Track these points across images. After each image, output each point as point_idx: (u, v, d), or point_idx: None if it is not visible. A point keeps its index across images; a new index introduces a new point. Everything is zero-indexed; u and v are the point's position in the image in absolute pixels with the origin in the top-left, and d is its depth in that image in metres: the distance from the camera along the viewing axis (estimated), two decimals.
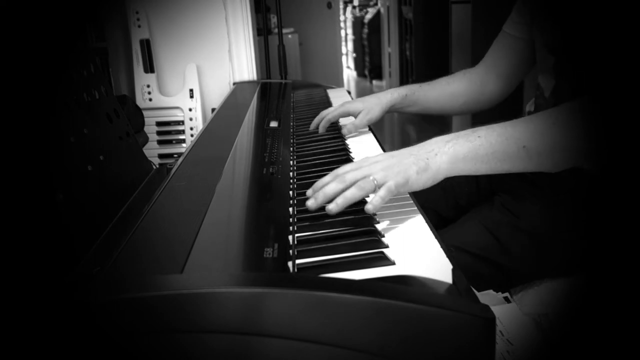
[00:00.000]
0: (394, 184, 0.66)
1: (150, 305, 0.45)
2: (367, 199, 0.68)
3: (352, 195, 0.65)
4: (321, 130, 1.08)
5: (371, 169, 0.68)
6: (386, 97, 1.08)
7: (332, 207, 0.65)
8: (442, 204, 1.08)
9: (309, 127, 1.14)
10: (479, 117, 1.16)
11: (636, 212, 0.79)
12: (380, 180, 0.67)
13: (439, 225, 1.04)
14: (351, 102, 1.10)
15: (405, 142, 3.84)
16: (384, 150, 0.97)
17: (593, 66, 0.78)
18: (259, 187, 0.78)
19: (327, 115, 1.08)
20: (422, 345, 0.44)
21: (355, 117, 1.07)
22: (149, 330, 0.46)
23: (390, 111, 1.10)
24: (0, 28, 0.64)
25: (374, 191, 0.66)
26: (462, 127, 3.31)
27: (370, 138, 1.07)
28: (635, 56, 0.69)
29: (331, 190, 0.66)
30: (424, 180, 0.68)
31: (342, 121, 1.13)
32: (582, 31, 0.80)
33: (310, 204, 0.66)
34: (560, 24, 0.86)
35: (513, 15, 1.01)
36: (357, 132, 1.09)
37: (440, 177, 0.69)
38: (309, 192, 0.70)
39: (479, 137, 0.69)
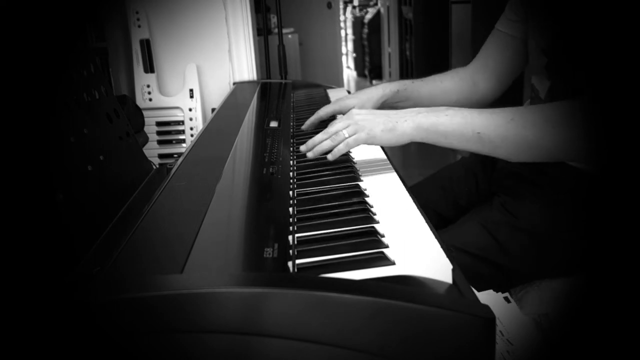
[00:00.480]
0: (354, 139, 0.82)
1: (150, 305, 0.45)
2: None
3: (325, 145, 0.83)
4: (308, 127, 1.07)
5: (348, 121, 0.83)
6: (378, 93, 1.09)
7: (303, 148, 0.86)
8: (442, 204, 1.08)
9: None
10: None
11: (636, 212, 0.79)
12: (349, 133, 0.82)
13: (439, 225, 1.04)
14: (343, 99, 1.09)
15: None
16: (384, 150, 0.97)
17: (588, 67, 0.78)
18: (259, 187, 0.78)
19: (319, 112, 1.08)
20: (422, 345, 0.44)
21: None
22: (149, 330, 0.46)
23: (383, 107, 1.10)
24: (0, 28, 0.64)
25: (342, 140, 0.82)
26: None
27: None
28: (631, 56, 0.69)
29: (317, 138, 0.85)
30: (387, 137, 0.81)
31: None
32: (577, 31, 0.80)
33: (303, 147, 0.86)
34: (554, 25, 0.86)
35: (507, 13, 1.01)
36: None
37: (405, 139, 0.81)
38: (302, 147, 0.87)
39: (446, 115, 0.79)
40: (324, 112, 1.08)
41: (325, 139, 0.84)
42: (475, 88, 1.08)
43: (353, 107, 1.06)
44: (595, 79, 0.76)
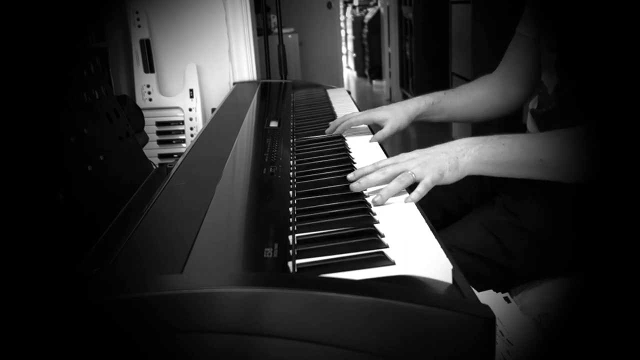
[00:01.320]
0: (430, 180, 0.75)
1: (150, 305, 0.45)
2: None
3: (394, 187, 0.73)
4: (339, 131, 1.05)
5: (409, 165, 0.76)
6: (413, 105, 1.06)
7: (378, 200, 0.72)
8: (447, 200, 1.09)
9: (309, 127, 1.14)
10: (484, 124, 1.16)
11: (636, 212, 0.79)
12: (417, 175, 0.75)
13: (445, 220, 1.04)
14: (377, 110, 1.07)
15: (404, 142, 3.84)
16: (385, 151, 0.97)
17: (594, 64, 0.78)
18: (259, 187, 0.78)
19: (349, 119, 1.05)
20: (422, 345, 0.44)
21: (381, 126, 1.05)
22: (149, 330, 0.46)
23: (417, 120, 1.08)
24: (0, 28, 0.64)
25: (412, 184, 0.75)
26: (462, 127, 3.30)
27: (370, 138, 1.06)
28: (635, 55, 0.69)
29: (374, 178, 0.75)
30: (455, 176, 0.77)
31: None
32: (583, 29, 0.80)
33: (355, 186, 0.75)
34: (560, 22, 0.86)
35: (526, 15, 1.01)
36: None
37: (465, 174, 0.78)
38: (350, 176, 0.78)
39: (503, 144, 0.77)
40: (355, 119, 1.05)
41: (382, 182, 0.75)
42: (505, 94, 1.07)
43: (386, 119, 1.04)
44: (600, 77, 0.76)
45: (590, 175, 0.78)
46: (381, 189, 0.73)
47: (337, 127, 1.07)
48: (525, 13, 1.01)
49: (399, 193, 0.75)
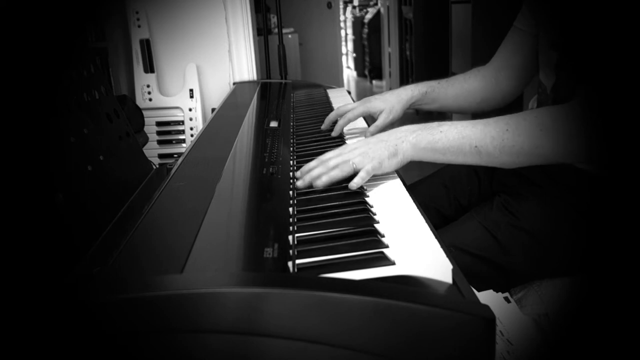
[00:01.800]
0: (371, 167, 0.78)
1: (150, 305, 0.45)
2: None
3: (335, 174, 0.78)
4: (338, 129, 1.05)
5: (350, 155, 0.80)
6: (407, 94, 1.07)
7: (318, 183, 0.77)
8: (444, 203, 1.08)
9: (309, 127, 1.14)
10: (479, 117, 1.16)
11: (636, 212, 0.79)
12: (358, 164, 0.78)
13: (441, 223, 1.04)
14: (371, 101, 1.06)
15: None
16: None
17: (592, 63, 0.78)
18: (259, 187, 0.78)
19: (346, 113, 1.05)
20: (422, 345, 0.44)
21: (376, 116, 1.05)
22: (149, 330, 0.46)
23: (411, 108, 1.09)
24: (0, 28, 0.64)
25: (353, 172, 0.78)
26: None
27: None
28: (635, 54, 0.69)
29: (316, 173, 0.79)
30: (394, 163, 0.80)
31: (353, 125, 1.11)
32: (583, 28, 0.80)
33: (300, 184, 0.79)
34: (561, 19, 0.86)
35: (524, 10, 1.01)
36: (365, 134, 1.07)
37: (406, 160, 0.80)
38: (297, 174, 0.82)
39: (440, 131, 0.79)
40: (352, 114, 1.05)
41: (326, 171, 0.79)
42: (497, 86, 1.07)
43: (381, 111, 1.04)
44: (590, 80, 0.76)
45: (528, 163, 0.78)
46: (323, 175, 0.78)
47: (331, 121, 1.06)
48: (523, 7, 1.01)
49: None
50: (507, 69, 1.05)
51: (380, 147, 0.80)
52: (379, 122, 1.04)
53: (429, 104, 1.09)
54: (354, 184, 0.76)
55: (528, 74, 1.05)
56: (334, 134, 1.05)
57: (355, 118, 1.06)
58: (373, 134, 1.02)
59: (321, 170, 0.79)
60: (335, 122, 1.07)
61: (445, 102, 1.09)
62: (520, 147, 0.76)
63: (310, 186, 0.79)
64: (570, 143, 0.74)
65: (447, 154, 0.79)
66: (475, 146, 0.77)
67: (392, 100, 1.06)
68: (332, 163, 0.80)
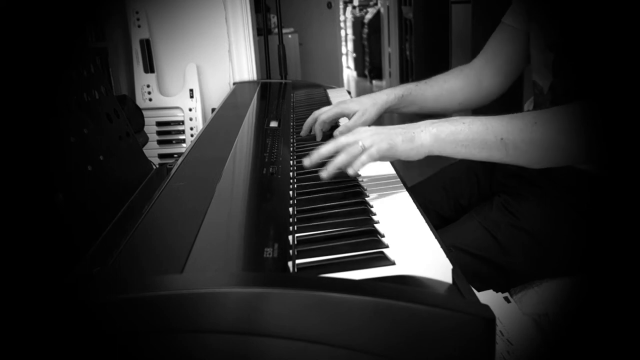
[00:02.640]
0: (377, 150, 0.73)
1: (150, 305, 0.45)
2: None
3: (340, 160, 0.74)
4: (317, 133, 1.04)
5: (361, 135, 0.76)
6: (382, 98, 1.05)
7: (324, 174, 0.74)
8: (444, 204, 1.08)
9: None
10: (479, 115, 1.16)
11: (636, 213, 0.79)
12: (367, 144, 0.74)
13: (440, 225, 1.04)
14: (346, 103, 1.06)
15: None
16: None
17: (591, 63, 0.78)
18: (259, 187, 0.78)
19: (320, 115, 1.04)
20: (422, 345, 0.44)
21: (350, 118, 1.05)
22: (149, 330, 0.46)
23: (387, 112, 1.08)
24: (0, 28, 0.64)
25: (359, 153, 0.73)
26: None
27: None
28: (634, 54, 0.69)
29: (325, 150, 0.76)
30: (408, 149, 0.75)
31: (342, 121, 1.12)
32: (582, 28, 0.80)
33: (306, 162, 0.77)
34: (559, 20, 0.86)
35: (514, 6, 1.00)
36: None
37: (423, 151, 0.75)
38: (305, 160, 0.78)
39: (463, 123, 0.75)
40: (325, 115, 1.04)
41: (334, 151, 0.76)
42: (480, 85, 1.06)
43: (354, 112, 1.03)
44: (596, 77, 0.76)
45: (555, 161, 0.76)
46: (328, 164, 0.74)
47: (310, 126, 1.05)
48: (513, 3, 1.00)
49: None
50: (491, 66, 1.05)
51: (395, 132, 0.75)
52: (350, 122, 1.03)
53: (407, 107, 1.08)
54: (351, 169, 0.73)
55: (514, 71, 1.04)
56: (302, 133, 1.06)
57: (329, 119, 1.05)
58: (342, 133, 1.02)
59: (329, 148, 0.76)
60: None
61: (424, 103, 1.08)
62: (551, 140, 0.72)
63: (313, 179, 0.76)
64: (592, 141, 0.72)
65: (470, 146, 0.74)
66: (502, 138, 0.73)
67: (366, 102, 1.05)
68: (341, 140, 0.76)
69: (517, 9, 0.99)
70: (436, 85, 1.09)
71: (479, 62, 1.07)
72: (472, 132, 0.74)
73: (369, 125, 1.06)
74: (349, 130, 1.01)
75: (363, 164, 0.73)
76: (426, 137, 0.75)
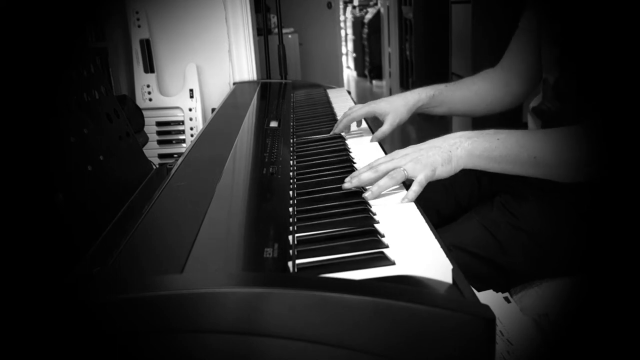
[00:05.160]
0: (424, 177, 0.75)
1: (150, 305, 0.45)
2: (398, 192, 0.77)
3: (384, 183, 0.74)
4: (340, 127, 1.06)
5: (401, 161, 0.76)
6: (414, 98, 1.05)
7: (368, 195, 0.73)
8: (444, 203, 1.08)
9: (309, 127, 1.14)
10: (478, 118, 1.16)
11: (636, 213, 0.79)
12: (410, 171, 0.75)
13: (440, 224, 1.04)
14: (377, 103, 1.06)
15: (405, 141, 3.84)
16: (384, 150, 0.97)
17: (596, 60, 0.78)
18: (259, 187, 0.78)
19: (350, 114, 1.05)
20: (422, 345, 0.44)
21: (382, 119, 1.04)
22: (149, 330, 0.46)
23: (417, 112, 1.07)
24: (0, 28, 0.64)
25: (404, 180, 0.75)
26: (463, 127, 3.33)
27: (370, 138, 1.06)
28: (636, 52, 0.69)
29: (365, 177, 0.76)
30: (447, 170, 0.76)
31: (352, 127, 1.11)
32: (585, 23, 0.80)
33: (346, 185, 0.76)
34: (562, 14, 0.86)
35: (527, 10, 1.00)
36: (352, 135, 1.06)
37: (459, 168, 0.77)
38: (347, 179, 0.77)
39: (497, 139, 0.76)
40: (356, 114, 1.05)
41: (375, 179, 0.76)
42: (506, 88, 1.06)
43: (387, 113, 1.03)
44: (601, 77, 0.76)
45: (585, 177, 0.77)
46: (373, 186, 0.74)
47: (344, 126, 1.07)
48: (527, 7, 1.00)
49: (394, 191, 0.75)
50: (516, 70, 1.05)
51: (434, 154, 0.76)
52: (385, 127, 1.03)
53: (436, 107, 1.08)
54: (408, 198, 0.73)
55: (537, 73, 1.03)
56: (334, 130, 1.05)
57: (359, 117, 1.06)
58: (378, 139, 1.03)
59: (370, 175, 0.76)
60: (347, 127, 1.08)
61: (452, 105, 1.08)
62: (580, 160, 0.74)
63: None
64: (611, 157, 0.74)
65: (503, 162, 0.76)
66: (535, 157, 0.75)
67: (398, 102, 1.04)
68: (382, 168, 0.76)
69: (529, 12, 0.99)
70: (465, 87, 1.09)
71: (502, 66, 1.07)
72: (506, 149, 0.75)
73: (400, 125, 1.06)
74: (384, 135, 1.02)
75: (417, 194, 0.74)
76: (462, 155, 0.77)
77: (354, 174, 0.78)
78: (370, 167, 0.78)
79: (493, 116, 1.12)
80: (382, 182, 0.74)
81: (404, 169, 0.75)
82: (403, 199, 0.73)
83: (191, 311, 0.45)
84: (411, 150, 0.78)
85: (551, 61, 0.91)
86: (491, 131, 0.78)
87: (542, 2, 0.93)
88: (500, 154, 0.76)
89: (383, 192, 0.75)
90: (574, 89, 0.85)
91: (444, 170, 0.76)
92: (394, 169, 0.76)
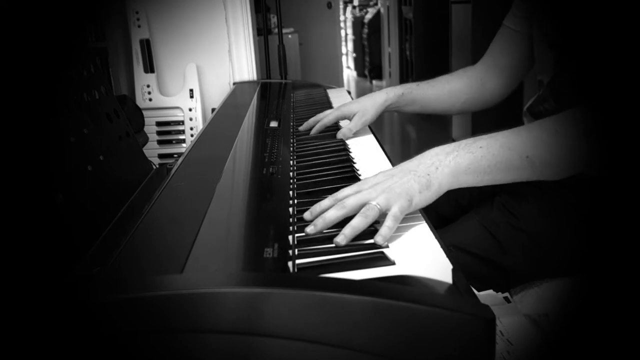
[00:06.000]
0: (399, 210, 0.63)
1: (150, 305, 0.45)
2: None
3: (358, 224, 0.62)
4: (313, 132, 1.07)
5: (371, 193, 0.65)
6: (381, 97, 1.07)
7: (340, 240, 0.60)
8: (444, 204, 1.08)
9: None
10: (479, 116, 1.16)
11: (636, 213, 0.79)
12: (383, 205, 0.64)
13: (440, 225, 1.04)
14: (346, 105, 1.09)
15: (405, 141, 3.84)
16: (384, 151, 0.97)
17: (593, 61, 0.78)
18: (259, 187, 0.78)
19: (322, 118, 1.08)
20: (422, 346, 0.44)
21: (350, 119, 1.07)
22: (149, 330, 0.46)
23: (387, 111, 1.09)
24: (0, 28, 0.64)
25: (379, 215, 0.64)
26: (463, 126, 3.33)
27: (370, 138, 1.07)
28: (635, 51, 0.69)
29: (331, 216, 0.63)
30: (427, 197, 0.66)
31: (342, 122, 1.12)
32: (582, 24, 0.80)
33: (310, 230, 0.63)
34: (559, 16, 0.86)
35: (514, 8, 1.01)
36: (352, 135, 1.07)
37: (443, 191, 0.68)
38: (306, 215, 0.66)
39: (480, 147, 0.68)
40: (327, 119, 1.07)
41: (342, 216, 0.64)
42: (484, 87, 1.07)
43: (355, 114, 1.06)
44: (597, 74, 0.76)
45: (585, 166, 0.73)
46: (345, 228, 0.62)
47: (310, 127, 1.08)
48: (514, 6, 1.01)
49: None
50: (495, 68, 1.06)
51: (409, 180, 0.66)
52: (351, 124, 1.05)
53: (408, 106, 1.09)
54: (380, 237, 0.60)
55: (517, 73, 1.04)
56: (301, 128, 1.08)
57: (330, 122, 1.08)
58: (345, 136, 1.04)
59: (337, 213, 0.63)
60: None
61: (426, 103, 1.09)
62: (574, 149, 0.67)
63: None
64: (589, 149, 0.69)
65: (494, 172, 0.67)
66: (527, 156, 0.67)
67: (366, 103, 1.07)
68: (349, 202, 0.64)
69: (517, 12, 0.99)
70: (438, 85, 1.09)
71: (483, 64, 1.08)
72: (494, 156, 0.67)
73: (368, 124, 1.07)
74: (351, 132, 1.03)
75: (392, 230, 0.62)
76: (443, 175, 0.67)
77: (314, 208, 0.66)
78: (335, 200, 0.66)
79: (493, 115, 1.12)
80: (355, 222, 0.62)
81: (377, 203, 0.63)
82: (376, 236, 0.61)
83: (191, 311, 0.45)
84: (382, 178, 0.68)
85: (546, 62, 0.91)
86: (469, 140, 0.70)
87: (538, 6, 0.93)
88: (488, 163, 0.67)
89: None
90: (570, 88, 0.85)
91: (422, 198, 0.66)
92: (364, 203, 0.64)
